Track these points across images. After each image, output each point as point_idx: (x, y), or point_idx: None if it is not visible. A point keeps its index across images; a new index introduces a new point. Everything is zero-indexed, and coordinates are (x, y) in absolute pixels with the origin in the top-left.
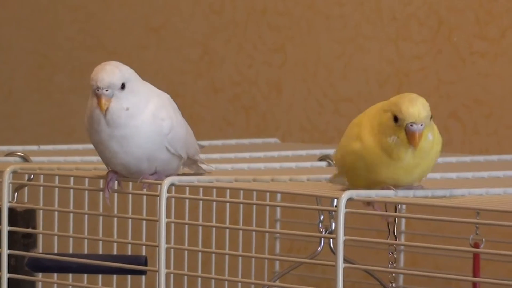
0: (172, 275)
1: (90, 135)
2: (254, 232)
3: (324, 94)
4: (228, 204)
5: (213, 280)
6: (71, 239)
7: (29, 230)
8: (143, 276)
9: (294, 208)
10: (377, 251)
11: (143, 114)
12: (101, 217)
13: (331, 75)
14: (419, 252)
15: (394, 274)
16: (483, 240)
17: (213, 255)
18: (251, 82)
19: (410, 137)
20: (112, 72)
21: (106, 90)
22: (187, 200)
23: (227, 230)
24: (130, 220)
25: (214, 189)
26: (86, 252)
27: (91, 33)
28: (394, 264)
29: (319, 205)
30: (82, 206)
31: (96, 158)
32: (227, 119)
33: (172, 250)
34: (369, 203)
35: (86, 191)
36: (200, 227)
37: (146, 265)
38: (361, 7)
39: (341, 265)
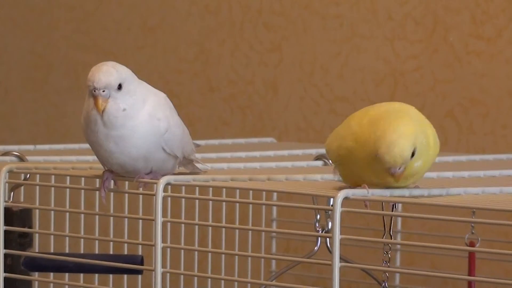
0: (168, 274)
1: (87, 135)
2: (250, 232)
3: (320, 94)
4: (224, 203)
5: (209, 279)
6: (67, 238)
7: (25, 229)
8: (139, 276)
9: (291, 208)
10: (373, 250)
11: (140, 114)
12: (97, 217)
13: (327, 74)
14: (415, 251)
15: (387, 273)
16: (479, 239)
17: (210, 254)
18: (247, 81)
19: (394, 177)
20: (109, 73)
21: (103, 91)
22: (183, 200)
23: (223, 229)
24: (126, 220)
25: (210, 188)
26: (82, 251)
27: (87, 33)
28: (388, 264)
29: (315, 204)
30: (78, 206)
31: (92, 157)
32: (223, 118)
33: (168, 249)
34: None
35: (82, 191)
36: (196, 227)
37: (142, 264)
38: (357, 7)
39: (337, 264)
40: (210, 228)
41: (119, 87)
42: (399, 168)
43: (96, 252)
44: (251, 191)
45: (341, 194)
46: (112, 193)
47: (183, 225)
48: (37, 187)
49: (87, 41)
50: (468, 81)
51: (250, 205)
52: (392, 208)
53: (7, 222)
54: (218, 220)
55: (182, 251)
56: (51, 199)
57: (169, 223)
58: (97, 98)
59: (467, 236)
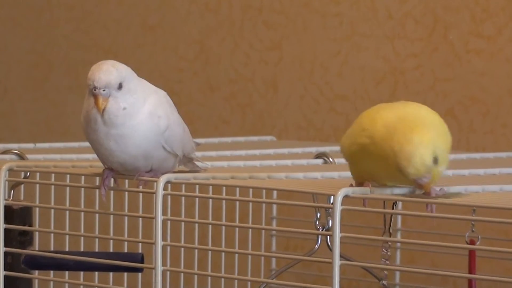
0: (168, 272)
1: (87, 133)
2: (250, 230)
3: (320, 92)
4: (224, 201)
5: (209, 278)
6: (67, 236)
7: (26, 227)
8: (140, 273)
9: (291, 206)
10: (373, 248)
11: (140, 113)
12: (97, 215)
13: (327, 73)
14: (416, 250)
15: (386, 272)
16: (479, 237)
17: (210, 252)
18: (247, 80)
19: (420, 188)
20: (109, 72)
21: (103, 90)
22: (183, 198)
23: (223, 227)
24: (126, 218)
25: (210, 187)
26: (82, 249)
27: (87, 32)
28: (387, 261)
29: (315, 202)
30: (78, 204)
31: (92, 155)
32: (223, 117)
33: (168, 247)
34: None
35: (82, 189)
36: (196, 225)
37: (142, 262)
38: (357, 5)
39: (337, 262)
40: (210, 226)
41: (120, 86)
42: (425, 178)
43: (96, 250)
44: (251, 189)
45: (342, 192)
46: (112, 191)
47: (183, 223)
48: (37, 185)
49: (87, 40)
50: (468, 79)
51: (250, 203)
52: (393, 206)
53: (7, 220)
54: (218, 218)
55: (182, 249)
56: (51, 197)
57: (169, 221)
58: (98, 97)
59: (467, 234)
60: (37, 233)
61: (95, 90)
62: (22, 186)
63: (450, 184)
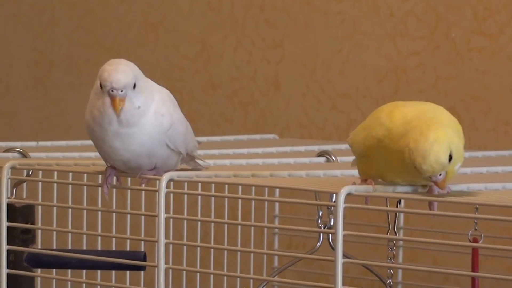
0: (171, 270)
1: (92, 132)
2: (252, 228)
3: (322, 90)
4: (226, 199)
5: (211, 276)
6: (70, 234)
7: (28, 225)
8: (142, 272)
9: (293, 204)
10: (376, 247)
11: (149, 111)
12: (100, 213)
13: (329, 71)
14: (418, 248)
15: (391, 271)
16: (482, 235)
17: (212, 250)
18: (249, 78)
19: (436, 185)
20: (126, 73)
21: (121, 91)
22: (185, 196)
23: (226, 225)
24: (128, 216)
25: (213, 185)
26: (85, 247)
27: (89, 30)
28: (393, 260)
29: (318, 200)
30: (81, 202)
31: (95, 154)
32: (225, 115)
33: (171, 245)
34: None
35: (85, 187)
36: (199, 223)
37: (145, 260)
38: (359, 3)
39: (340, 260)
40: (212, 224)
41: (134, 86)
42: (440, 175)
43: (99, 248)
44: (253, 187)
45: (344, 190)
46: (114, 189)
47: (185, 221)
48: (40, 183)
49: (88, 38)
50: (470, 77)
51: (253, 201)
52: (397, 204)
53: (10, 218)
54: (221, 217)
55: (185, 247)
56: (54, 195)
57: (171, 219)
58: (115, 98)
59: (470, 232)
60: (39, 231)
61: (112, 91)
62: (25, 184)
63: (453, 182)
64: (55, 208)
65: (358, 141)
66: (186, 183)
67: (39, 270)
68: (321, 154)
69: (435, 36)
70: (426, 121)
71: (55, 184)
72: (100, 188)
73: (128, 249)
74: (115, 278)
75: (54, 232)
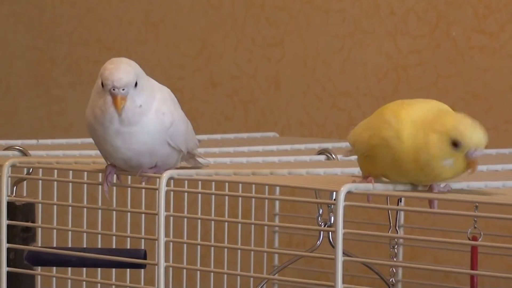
0: (171, 268)
1: (94, 130)
2: (253, 226)
3: (322, 89)
4: (227, 197)
5: (212, 274)
6: (70, 233)
7: (28, 224)
8: (142, 270)
9: (293, 202)
10: (376, 245)
11: (150, 110)
12: (100, 211)
13: (330, 69)
14: (418, 246)
15: (394, 269)
16: (481, 233)
17: (212, 248)
18: (249, 76)
19: (472, 164)
20: (127, 71)
21: (123, 90)
22: (186, 194)
23: (226, 223)
24: (129, 214)
25: (213, 183)
26: (85, 245)
27: (90, 28)
28: (395, 259)
29: (318, 198)
30: (81, 200)
31: (95, 152)
32: (225, 113)
33: (171, 243)
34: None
35: (85, 185)
36: (199, 221)
37: (145, 258)
38: (360, 1)
39: (340, 258)
40: (212, 222)
41: (136, 84)
42: (478, 151)
43: (99, 246)
44: (253, 186)
45: (344, 188)
46: (115, 188)
47: (185, 219)
48: (40, 181)
49: (89, 37)
50: (470, 76)
51: (253, 199)
52: (398, 202)
53: (10, 216)
54: (221, 215)
55: (185, 245)
56: (54, 193)
57: (171, 218)
58: (117, 97)
59: (469, 231)
60: (39, 229)
61: (114, 89)
62: (25, 182)
63: (453, 180)
64: (55, 206)
65: (362, 140)
66: (186, 181)
67: (39, 268)
68: (321, 152)
69: (435, 35)
70: (443, 111)
71: (55, 182)
72: (100, 186)
73: (128, 247)
74: (115, 276)
75: (54, 230)
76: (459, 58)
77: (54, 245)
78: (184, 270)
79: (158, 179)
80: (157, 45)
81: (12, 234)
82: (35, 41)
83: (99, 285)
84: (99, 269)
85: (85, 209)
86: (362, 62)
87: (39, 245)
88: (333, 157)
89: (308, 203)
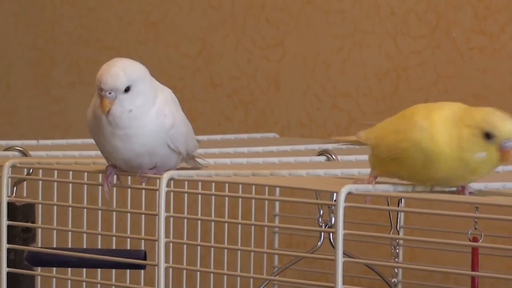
0: (171, 269)
1: (92, 130)
2: (253, 227)
3: (322, 89)
4: (227, 198)
5: (212, 275)
6: (70, 233)
7: (28, 224)
8: (142, 271)
9: (293, 203)
10: (376, 246)
11: (148, 114)
12: (100, 212)
13: (330, 70)
14: (418, 247)
15: (396, 270)
16: (482, 234)
17: (212, 249)
18: (249, 77)
19: (505, 155)
20: (116, 76)
21: (109, 93)
22: (186, 195)
23: (226, 224)
24: (129, 214)
25: (213, 184)
26: (85, 246)
27: (90, 28)
28: (397, 259)
29: (318, 199)
30: (81, 201)
31: (95, 152)
32: (225, 114)
33: (171, 244)
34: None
35: (85, 186)
36: (199, 222)
37: (145, 259)
38: (360, 2)
39: (340, 259)
40: (213, 223)
41: (127, 89)
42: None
43: (99, 247)
44: (254, 186)
45: (345, 189)
46: (115, 188)
47: (185, 220)
48: (40, 182)
49: (89, 37)
50: (470, 76)
51: (253, 200)
52: (398, 203)
53: (10, 217)
54: (221, 215)
55: (185, 246)
56: (54, 194)
57: (172, 218)
58: (103, 99)
59: (470, 232)
60: (39, 229)
61: (101, 91)
62: (25, 183)
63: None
64: (55, 207)
65: (388, 143)
66: (186, 182)
67: (39, 268)
68: (321, 153)
69: (435, 35)
70: (470, 108)
71: (56, 183)
72: (100, 187)
73: (128, 248)
74: (115, 277)
75: (54, 231)
76: (459, 59)
77: (54, 246)
78: (184, 271)
79: (158, 180)
80: (157, 45)
81: (12, 234)
82: (35, 41)
83: (99, 285)
84: (99, 269)
85: (85, 209)
86: (362, 63)
87: (39, 245)
88: (333, 158)
89: (308, 204)
